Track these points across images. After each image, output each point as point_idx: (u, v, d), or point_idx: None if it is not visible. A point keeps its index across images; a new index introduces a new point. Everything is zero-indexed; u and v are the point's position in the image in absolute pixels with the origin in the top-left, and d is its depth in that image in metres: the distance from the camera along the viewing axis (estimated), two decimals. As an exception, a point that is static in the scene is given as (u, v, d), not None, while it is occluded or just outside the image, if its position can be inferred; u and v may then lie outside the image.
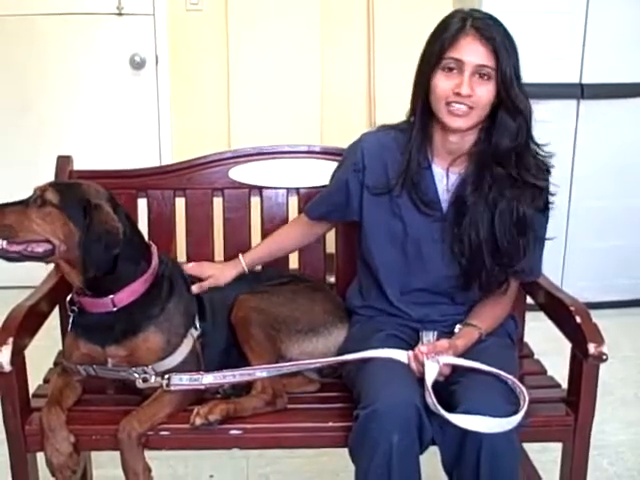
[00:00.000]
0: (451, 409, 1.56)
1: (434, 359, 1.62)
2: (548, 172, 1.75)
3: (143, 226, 1.92)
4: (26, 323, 1.66)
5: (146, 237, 1.85)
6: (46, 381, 1.87)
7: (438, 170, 1.77)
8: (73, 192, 1.67)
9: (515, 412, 1.54)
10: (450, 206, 1.76)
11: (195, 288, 1.85)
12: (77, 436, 1.63)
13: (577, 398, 1.68)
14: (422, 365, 1.62)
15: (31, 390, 1.75)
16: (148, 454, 1.63)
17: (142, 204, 2.08)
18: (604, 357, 1.63)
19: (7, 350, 1.57)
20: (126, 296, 1.68)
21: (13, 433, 1.64)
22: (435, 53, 1.66)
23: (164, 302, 1.73)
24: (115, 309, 1.68)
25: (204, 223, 2.10)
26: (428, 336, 1.78)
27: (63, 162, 2.07)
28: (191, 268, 1.92)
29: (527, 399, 1.57)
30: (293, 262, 2.15)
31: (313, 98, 3.79)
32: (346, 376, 1.79)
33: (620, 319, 3.41)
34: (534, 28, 3.15)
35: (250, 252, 1.98)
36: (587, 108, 3.39)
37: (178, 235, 2.11)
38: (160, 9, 3.66)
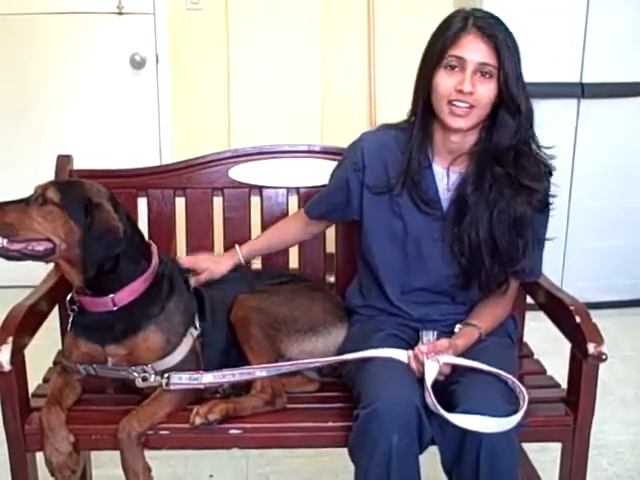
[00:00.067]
0: (451, 409, 1.56)
1: (434, 359, 1.62)
2: (550, 174, 1.74)
3: (143, 225, 1.92)
4: (26, 322, 1.66)
5: (146, 236, 1.85)
6: (46, 380, 1.87)
7: (438, 169, 1.77)
8: (74, 191, 1.68)
9: (515, 412, 1.54)
10: (450, 205, 1.76)
11: (192, 282, 1.85)
12: (77, 435, 1.63)
13: (577, 398, 1.68)
14: (422, 365, 1.62)
15: (31, 390, 1.75)
16: (148, 454, 1.63)
17: (142, 203, 2.08)
18: (604, 357, 1.63)
19: (7, 349, 1.57)
20: (126, 295, 1.69)
21: (13, 433, 1.64)
22: (437, 51, 1.66)
23: (164, 301, 1.73)
24: (115, 308, 1.68)
25: (204, 222, 2.10)
26: (428, 336, 1.78)
27: (63, 161, 2.07)
28: (185, 260, 1.92)
29: (527, 399, 1.57)
30: (293, 261, 2.15)
31: (313, 98, 3.79)
32: (346, 376, 1.79)
33: (620, 319, 3.41)
34: (534, 27, 3.15)
35: (247, 244, 1.99)
36: (587, 107, 3.39)
37: (178, 234, 2.11)
38: (160, 8, 3.66)
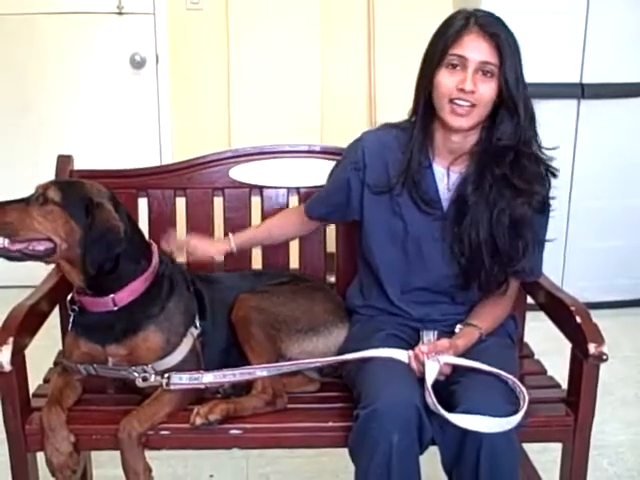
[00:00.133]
0: (451, 409, 1.56)
1: (434, 359, 1.62)
2: (554, 176, 1.74)
3: (143, 225, 1.92)
4: (26, 323, 1.66)
5: (146, 236, 1.85)
6: (46, 381, 1.87)
7: (439, 169, 1.77)
8: (75, 190, 1.68)
9: (515, 412, 1.54)
10: (451, 205, 1.76)
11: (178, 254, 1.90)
12: (77, 436, 1.63)
13: (577, 398, 1.68)
14: (422, 365, 1.62)
15: (31, 390, 1.75)
16: (148, 454, 1.63)
17: (142, 203, 2.08)
18: (604, 357, 1.63)
19: (7, 350, 1.57)
20: (126, 295, 1.69)
21: (13, 433, 1.64)
22: (438, 50, 1.66)
23: (164, 301, 1.73)
24: (115, 308, 1.68)
25: (204, 223, 2.10)
26: (428, 336, 1.78)
27: (63, 161, 2.07)
28: (178, 241, 1.95)
29: (527, 399, 1.57)
30: (294, 262, 2.15)
31: (313, 98, 3.79)
32: (346, 376, 1.79)
33: (620, 319, 3.41)
34: (535, 28, 3.15)
35: (242, 233, 2.00)
36: (587, 108, 3.39)
37: (178, 234, 2.10)
38: (160, 8, 3.66)
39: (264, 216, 2.11)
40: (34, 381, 1.80)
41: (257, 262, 2.13)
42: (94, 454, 2.12)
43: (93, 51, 3.70)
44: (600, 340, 1.64)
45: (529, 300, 2.02)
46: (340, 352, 1.82)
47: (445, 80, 1.65)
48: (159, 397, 1.67)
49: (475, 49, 1.63)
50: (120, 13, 3.65)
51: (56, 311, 1.91)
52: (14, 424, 1.63)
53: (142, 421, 1.62)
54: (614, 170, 3.44)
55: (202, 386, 1.68)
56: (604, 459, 2.43)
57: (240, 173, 2.12)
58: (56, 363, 1.95)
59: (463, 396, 1.58)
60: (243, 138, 3.51)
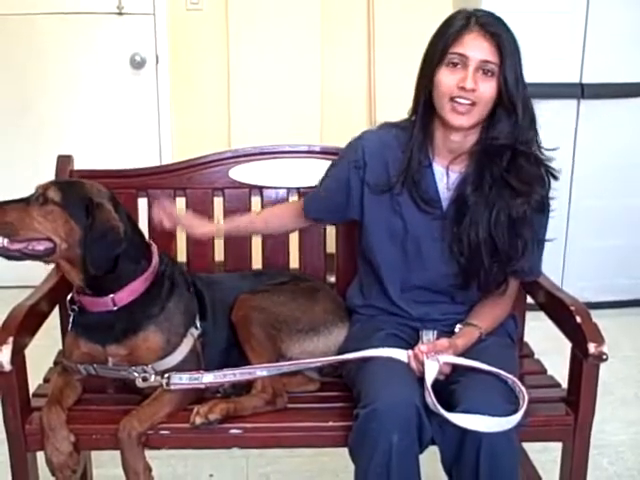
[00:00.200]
0: (451, 408, 1.56)
1: (434, 358, 1.62)
2: (554, 178, 1.74)
3: (143, 226, 1.92)
4: (26, 322, 1.66)
5: (146, 236, 1.85)
6: (46, 380, 1.87)
7: (438, 168, 1.77)
8: (75, 191, 1.68)
9: (515, 411, 1.54)
10: (450, 205, 1.76)
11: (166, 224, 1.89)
12: (77, 435, 1.63)
13: (577, 398, 1.68)
14: (422, 364, 1.62)
15: (31, 389, 1.75)
16: (148, 453, 1.63)
17: (142, 204, 2.08)
18: (604, 357, 1.63)
19: (7, 349, 1.57)
20: (126, 295, 1.69)
21: (13, 432, 1.64)
22: (439, 49, 1.66)
23: (164, 301, 1.73)
24: (115, 308, 1.68)
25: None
26: (428, 335, 1.78)
27: (63, 162, 2.07)
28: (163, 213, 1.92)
29: (527, 398, 1.57)
30: (294, 262, 2.15)
31: (313, 98, 3.80)
32: (346, 375, 1.79)
33: (620, 319, 3.41)
34: (534, 28, 3.15)
35: (239, 218, 1.99)
36: (587, 108, 3.39)
37: (178, 235, 2.10)
38: (160, 9, 3.66)
39: (264, 216, 2.12)
40: (34, 381, 1.80)
41: (257, 262, 2.13)
42: (94, 454, 2.12)
43: (93, 51, 3.70)
44: (600, 340, 1.64)
45: (529, 300, 2.02)
46: (340, 352, 1.83)
47: (446, 79, 1.66)
48: (159, 397, 1.67)
49: (476, 48, 1.63)
50: (120, 13, 3.66)
51: (56, 311, 1.91)
52: (14, 424, 1.63)
53: (142, 421, 1.62)
54: (614, 170, 3.45)
55: (202, 386, 1.68)
56: (604, 458, 2.43)
57: (240, 173, 2.12)
58: (56, 363, 1.95)
59: (463, 396, 1.58)
60: (243, 138, 3.51)
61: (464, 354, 1.69)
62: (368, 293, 1.90)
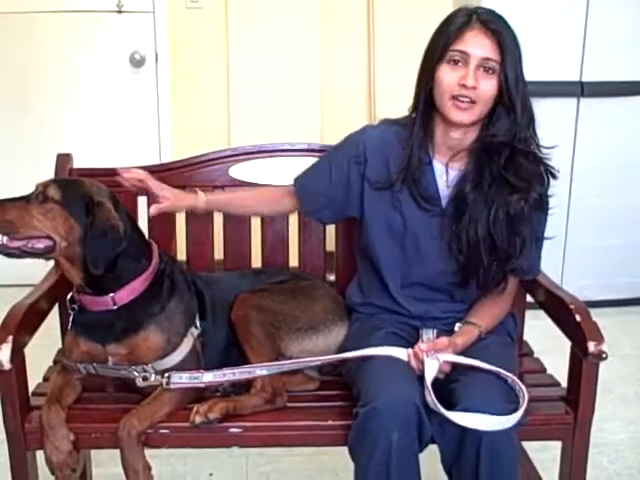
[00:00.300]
0: (451, 407, 1.56)
1: (434, 357, 1.62)
2: (553, 177, 1.74)
3: (143, 224, 1.92)
4: (26, 321, 1.66)
5: (146, 235, 1.84)
6: (46, 379, 1.87)
7: (438, 166, 1.77)
8: (75, 189, 1.68)
9: (514, 410, 1.54)
10: (450, 202, 1.76)
11: (153, 209, 1.84)
12: (77, 434, 1.63)
13: (577, 396, 1.68)
14: (422, 363, 1.62)
15: (31, 388, 1.75)
16: (148, 452, 1.63)
17: (142, 202, 2.08)
18: (604, 355, 1.63)
19: (7, 348, 1.57)
20: (126, 294, 1.69)
21: (13, 431, 1.64)
22: (440, 46, 1.66)
23: (165, 301, 1.73)
24: (115, 307, 1.68)
25: (204, 221, 2.09)
26: (428, 334, 1.78)
27: (63, 160, 2.07)
28: (153, 184, 1.87)
29: (526, 397, 1.57)
30: (293, 260, 2.15)
31: (313, 96, 3.79)
32: (346, 374, 1.79)
33: (620, 317, 3.42)
34: (534, 26, 3.14)
35: (214, 192, 2.00)
36: (587, 106, 3.39)
37: (178, 233, 2.10)
38: (160, 7, 3.66)
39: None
40: (33, 379, 1.80)
41: (257, 261, 2.13)
42: (94, 452, 2.12)
43: (93, 50, 3.70)
44: (600, 338, 1.64)
45: (529, 298, 2.02)
46: (340, 350, 1.82)
47: (447, 76, 1.65)
48: (159, 396, 1.67)
49: (477, 45, 1.63)
50: (120, 12, 3.65)
51: (56, 309, 1.91)
52: (14, 423, 1.63)
53: (142, 420, 1.62)
54: (614, 168, 3.45)
55: (202, 385, 1.68)
56: (604, 457, 2.43)
57: (240, 171, 2.12)
58: (56, 362, 1.95)
59: (463, 394, 1.58)
60: (243, 136, 3.51)
61: (464, 353, 1.69)
62: (368, 291, 1.90)
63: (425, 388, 1.57)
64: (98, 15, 3.65)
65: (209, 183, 2.11)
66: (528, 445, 1.97)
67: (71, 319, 1.74)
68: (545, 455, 2.11)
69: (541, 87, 2.71)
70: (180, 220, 2.10)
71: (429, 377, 1.59)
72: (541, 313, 1.88)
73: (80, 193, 1.66)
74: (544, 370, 1.96)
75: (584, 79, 3.35)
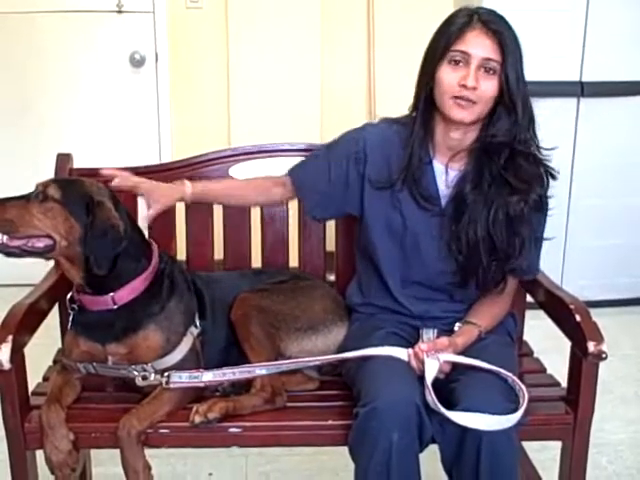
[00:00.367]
0: (451, 407, 1.56)
1: (434, 357, 1.62)
2: (553, 177, 1.74)
3: (143, 224, 1.91)
4: (26, 321, 1.66)
5: (146, 235, 1.84)
6: (45, 379, 1.87)
7: (438, 166, 1.77)
8: (75, 188, 1.68)
9: (515, 410, 1.54)
10: (449, 202, 1.76)
11: (145, 221, 1.81)
12: (76, 434, 1.63)
13: (576, 396, 1.68)
14: (422, 363, 1.62)
15: (30, 388, 1.75)
16: (148, 452, 1.63)
17: (142, 202, 2.07)
18: (604, 355, 1.63)
19: (7, 348, 1.57)
20: (126, 294, 1.68)
21: (12, 431, 1.64)
22: (441, 46, 1.66)
23: (164, 300, 1.73)
24: (115, 307, 1.68)
25: (204, 221, 2.09)
26: (428, 334, 1.78)
27: (63, 160, 2.07)
28: (145, 187, 1.82)
29: (527, 397, 1.57)
30: (293, 260, 2.15)
31: (313, 96, 3.79)
32: (346, 374, 1.79)
33: (620, 317, 3.42)
34: (534, 26, 3.14)
35: (203, 182, 1.94)
36: (587, 106, 3.39)
37: (178, 233, 2.10)
38: (160, 7, 3.66)
39: (263, 215, 2.11)
40: (33, 379, 1.80)
41: (257, 261, 2.13)
42: (93, 452, 2.12)
43: (93, 49, 3.70)
44: (599, 338, 1.64)
45: (529, 298, 2.02)
46: (340, 350, 1.82)
47: (448, 76, 1.65)
48: (159, 395, 1.67)
49: (478, 45, 1.63)
50: (120, 12, 3.65)
51: (55, 309, 1.91)
52: (13, 422, 1.63)
53: (141, 419, 1.62)
54: (614, 168, 3.45)
55: (201, 384, 1.68)
56: (603, 457, 2.43)
57: (240, 171, 2.12)
58: (55, 361, 1.95)
59: (463, 394, 1.58)
60: (243, 136, 3.51)
61: (464, 353, 1.69)
62: (367, 291, 1.90)
63: (425, 388, 1.57)
64: (98, 15, 3.65)
65: (209, 183, 2.10)
66: (528, 445, 1.97)
67: (71, 319, 1.74)
68: (545, 455, 2.11)
69: (541, 87, 2.71)
70: (180, 220, 2.10)
71: (429, 377, 1.59)
72: (541, 313, 1.88)
73: (80, 193, 1.66)
74: (544, 370, 1.96)
75: (584, 79, 3.35)
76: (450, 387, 1.62)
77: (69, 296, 1.76)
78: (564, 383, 1.78)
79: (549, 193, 1.76)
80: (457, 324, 1.77)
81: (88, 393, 1.77)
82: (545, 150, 1.74)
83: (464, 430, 1.53)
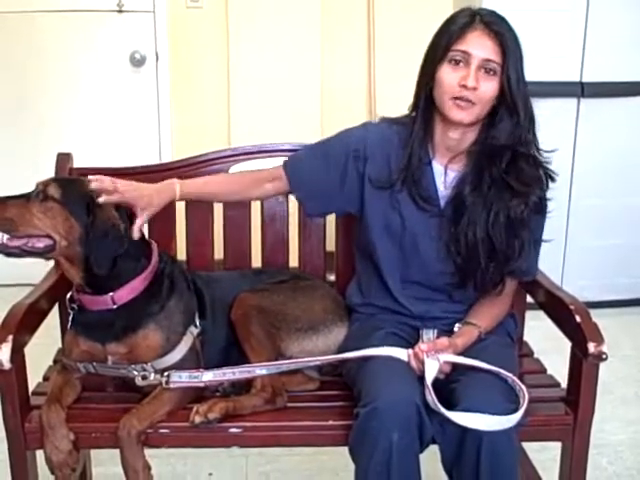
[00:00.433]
0: (451, 407, 1.56)
1: (434, 357, 1.62)
2: (552, 180, 1.74)
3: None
4: (26, 321, 1.66)
5: (146, 235, 1.84)
6: (46, 379, 1.87)
7: (437, 166, 1.77)
8: (75, 188, 1.67)
9: (515, 410, 1.54)
10: (448, 203, 1.76)
11: (136, 234, 1.69)
12: (77, 434, 1.63)
13: (577, 397, 1.68)
14: (422, 363, 1.62)
15: (31, 388, 1.75)
16: (148, 452, 1.63)
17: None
18: (604, 356, 1.63)
19: (7, 348, 1.57)
20: (126, 293, 1.68)
21: (13, 431, 1.64)
22: (442, 46, 1.66)
23: (164, 300, 1.73)
24: (115, 306, 1.68)
25: (204, 221, 2.09)
26: (428, 334, 1.78)
27: (63, 159, 2.06)
28: (130, 197, 1.69)
29: (527, 397, 1.57)
30: (293, 260, 2.15)
31: (313, 96, 3.79)
32: (346, 374, 1.79)
33: (620, 318, 3.42)
34: (535, 26, 3.14)
35: (192, 182, 1.86)
36: (587, 106, 3.39)
37: (178, 233, 2.10)
38: (160, 6, 3.66)
39: (264, 214, 2.11)
40: (33, 379, 1.80)
41: (257, 261, 2.13)
42: (94, 452, 2.12)
43: (93, 49, 3.70)
44: (600, 339, 1.64)
45: (529, 299, 2.02)
46: (340, 351, 1.82)
47: (448, 76, 1.65)
48: (159, 395, 1.67)
49: (479, 46, 1.63)
50: (120, 11, 3.65)
51: (55, 309, 1.91)
52: (13, 422, 1.63)
53: (142, 419, 1.62)
54: (614, 169, 3.45)
55: (202, 384, 1.68)
56: (603, 458, 2.43)
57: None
58: (55, 361, 1.95)
59: (463, 394, 1.58)
60: (243, 136, 3.51)
61: (464, 353, 1.69)
62: (367, 291, 1.90)
63: (425, 388, 1.57)
64: (98, 15, 3.65)
65: (209, 183, 2.10)
66: (528, 445, 1.97)
67: (71, 318, 1.74)
68: (545, 455, 2.11)
69: (541, 87, 2.71)
70: (180, 219, 2.10)
71: (429, 377, 1.59)
72: (541, 314, 1.88)
73: (80, 192, 1.66)
74: (544, 371, 1.96)
75: (584, 79, 3.35)
76: (450, 387, 1.62)
77: (69, 296, 1.76)
78: (564, 384, 1.78)
79: (548, 195, 1.76)
80: (457, 325, 1.77)
81: (88, 393, 1.77)
82: (545, 152, 1.73)
83: (464, 430, 1.53)
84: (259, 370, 1.68)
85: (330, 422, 1.67)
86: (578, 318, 1.68)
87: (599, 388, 1.68)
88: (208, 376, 1.67)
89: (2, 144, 3.77)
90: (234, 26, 3.71)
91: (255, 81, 3.74)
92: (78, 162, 2.10)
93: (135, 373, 1.68)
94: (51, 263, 1.86)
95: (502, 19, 1.67)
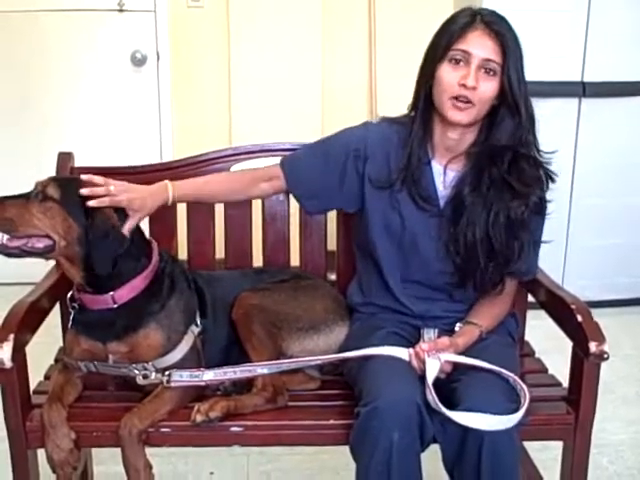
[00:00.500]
0: (452, 407, 1.56)
1: (435, 356, 1.62)
2: (552, 180, 1.74)
3: (144, 223, 1.91)
4: (27, 319, 1.66)
5: (147, 234, 1.84)
6: (47, 377, 1.87)
7: (437, 166, 1.77)
8: (74, 188, 1.67)
9: (516, 410, 1.54)
10: (447, 203, 1.76)
11: (127, 231, 1.66)
12: (78, 432, 1.63)
13: (578, 397, 1.68)
14: (423, 363, 1.62)
15: (32, 386, 1.75)
16: (149, 451, 1.63)
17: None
18: (605, 356, 1.63)
19: (8, 346, 1.57)
20: (126, 293, 1.68)
21: (14, 429, 1.64)
22: (442, 45, 1.66)
23: (165, 299, 1.73)
24: (115, 306, 1.68)
25: (205, 220, 2.09)
26: (429, 334, 1.78)
27: (64, 158, 2.06)
28: (123, 198, 1.65)
29: (528, 397, 1.57)
30: (294, 260, 2.15)
31: (314, 95, 3.79)
32: (347, 373, 1.79)
33: (621, 317, 3.42)
34: (536, 26, 3.15)
35: (186, 182, 1.83)
36: (588, 106, 3.39)
37: (179, 232, 2.10)
38: (161, 6, 3.67)
39: (265, 214, 2.11)
40: (35, 378, 1.80)
41: (258, 260, 2.13)
42: (95, 451, 2.12)
43: (94, 48, 3.70)
44: (601, 338, 1.64)
45: (530, 298, 2.01)
46: (341, 350, 1.82)
47: (448, 75, 1.65)
48: (160, 394, 1.67)
49: (480, 46, 1.63)
50: (121, 10, 3.66)
51: (57, 308, 1.91)
52: (15, 421, 1.63)
53: (143, 418, 1.62)
54: (615, 168, 3.45)
55: (203, 383, 1.68)
56: (604, 457, 2.43)
57: (241, 171, 2.12)
58: (57, 360, 1.95)
59: (464, 394, 1.58)
60: (244, 135, 3.51)
61: (465, 353, 1.69)
62: (368, 290, 1.90)
63: (426, 387, 1.57)
64: (100, 14, 3.65)
65: (210, 182, 2.10)
66: (529, 445, 1.97)
67: (71, 317, 1.74)
68: (546, 455, 2.11)
69: (543, 87, 2.72)
70: (181, 219, 2.09)
71: (430, 377, 1.59)
72: (542, 313, 1.88)
73: (79, 192, 1.66)
74: (545, 370, 1.96)
75: (586, 79, 3.35)
76: (451, 387, 1.62)
77: (69, 295, 1.76)
78: (565, 383, 1.78)
79: (548, 196, 1.76)
80: (458, 324, 1.77)
81: (89, 392, 1.77)
82: (546, 153, 1.73)
83: (465, 430, 1.53)
84: (260, 369, 1.68)
85: (331, 421, 1.67)
86: (579, 317, 1.68)
87: (600, 388, 1.68)
88: (209, 375, 1.67)
89: (5, 143, 3.78)
90: (235, 25, 3.72)
91: (256, 80, 3.74)
92: (79, 161, 2.10)
93: (136, 372, 1.68)
94: (52, 262, 1.86)
95: (503, 19, 1.67)
